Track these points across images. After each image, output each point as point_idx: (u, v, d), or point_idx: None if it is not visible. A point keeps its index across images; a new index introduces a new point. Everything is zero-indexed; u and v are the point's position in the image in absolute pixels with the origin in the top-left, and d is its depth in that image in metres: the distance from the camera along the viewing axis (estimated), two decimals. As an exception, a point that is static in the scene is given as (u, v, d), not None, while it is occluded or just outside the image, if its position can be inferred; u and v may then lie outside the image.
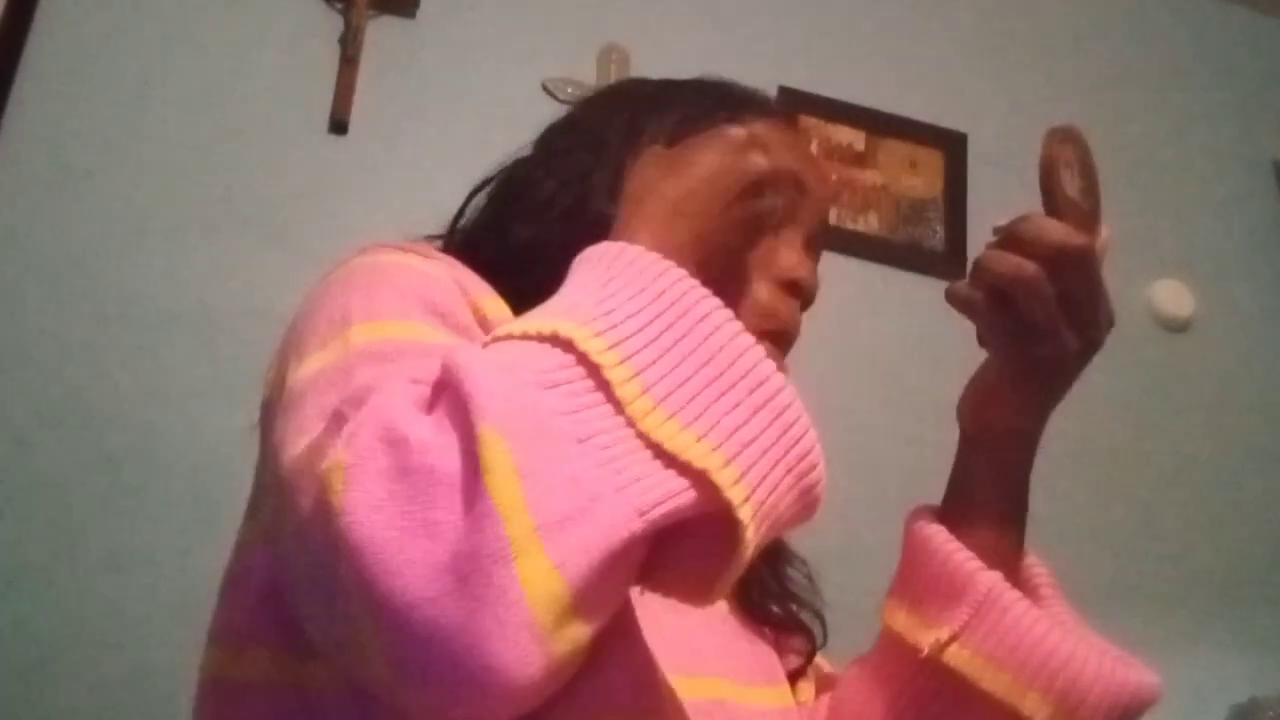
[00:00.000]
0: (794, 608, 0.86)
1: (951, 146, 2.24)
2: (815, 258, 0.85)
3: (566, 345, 0.51)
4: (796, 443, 0.54)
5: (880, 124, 2.22)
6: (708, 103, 0.84)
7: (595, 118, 0.87)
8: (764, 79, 2.48)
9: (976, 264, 0.71)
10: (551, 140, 0.87)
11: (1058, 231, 0.70)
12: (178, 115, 1.85)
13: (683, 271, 0.56)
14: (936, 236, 2.19)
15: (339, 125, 1.90)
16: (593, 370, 0.51)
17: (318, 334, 0.63)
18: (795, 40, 2.23)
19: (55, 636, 1.56)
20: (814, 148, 2.18)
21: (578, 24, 2.10)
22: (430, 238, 0.85)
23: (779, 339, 0.79)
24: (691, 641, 0.72)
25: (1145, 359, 2.22)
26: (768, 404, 0.53)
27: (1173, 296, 2.27)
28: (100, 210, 1.77)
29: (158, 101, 1.85)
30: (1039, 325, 0.70)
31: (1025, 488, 0.81)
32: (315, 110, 1.90)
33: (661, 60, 2.09)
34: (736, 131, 0.71)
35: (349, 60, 1.93)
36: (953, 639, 0.72)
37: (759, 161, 0.69)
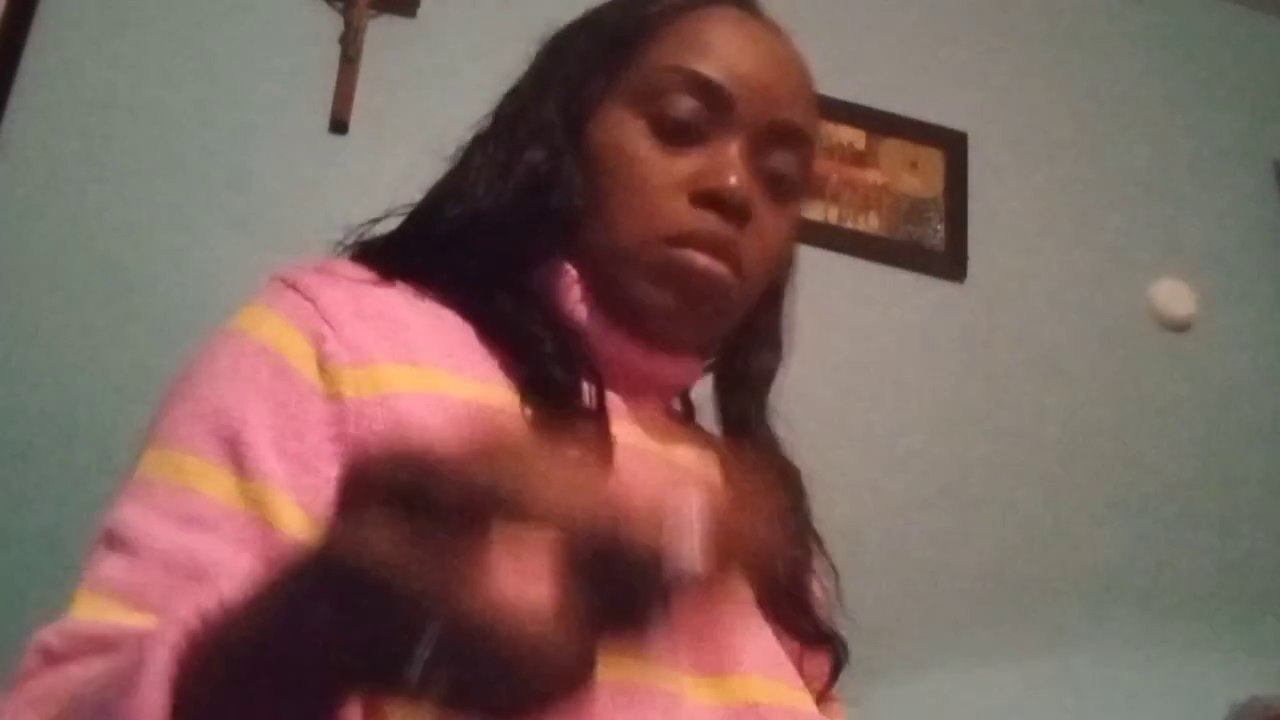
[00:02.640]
0: (818, 625, 0.80)
1: (952, 146, 2.24)
2: (765, 161, 0.78)
3: None
4: None
5: (880, 123, 2.22)
6: (627, 29, 0.81)
7: (522, 94, 0.85)
8: (764, 78, 2.46)
9: None
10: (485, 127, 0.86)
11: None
12: (177, 115, 1.85)
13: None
14: (937, 236, 2.19)
15: (339, 125, 1.90)
16: None
17: (145, 438, 0.68)
18: (795, 40, 2.23)
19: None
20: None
21: (578, 24, 2.09)
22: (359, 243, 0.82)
23: (689, 262, 0.74)
24: (722, 637, 0.69)
25: (1145, 359, 2.22)
26: None
27: (1173, 296, 2.27)
28: (100, 210, 1.77)
29: (157, 102, 1.85)
30: None
31: None
32: (315, 110, 1.90)
33: (662, 60, 2.10)
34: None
35: (349, 60, 1.93)
36: None
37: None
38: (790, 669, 0.74)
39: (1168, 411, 2.20)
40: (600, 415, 0.71)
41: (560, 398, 0.70)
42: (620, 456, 0.70)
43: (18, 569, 1.58)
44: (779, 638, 0.76)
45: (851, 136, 2.20)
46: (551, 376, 0.71)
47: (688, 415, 0.89)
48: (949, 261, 2.15)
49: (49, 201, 1.76)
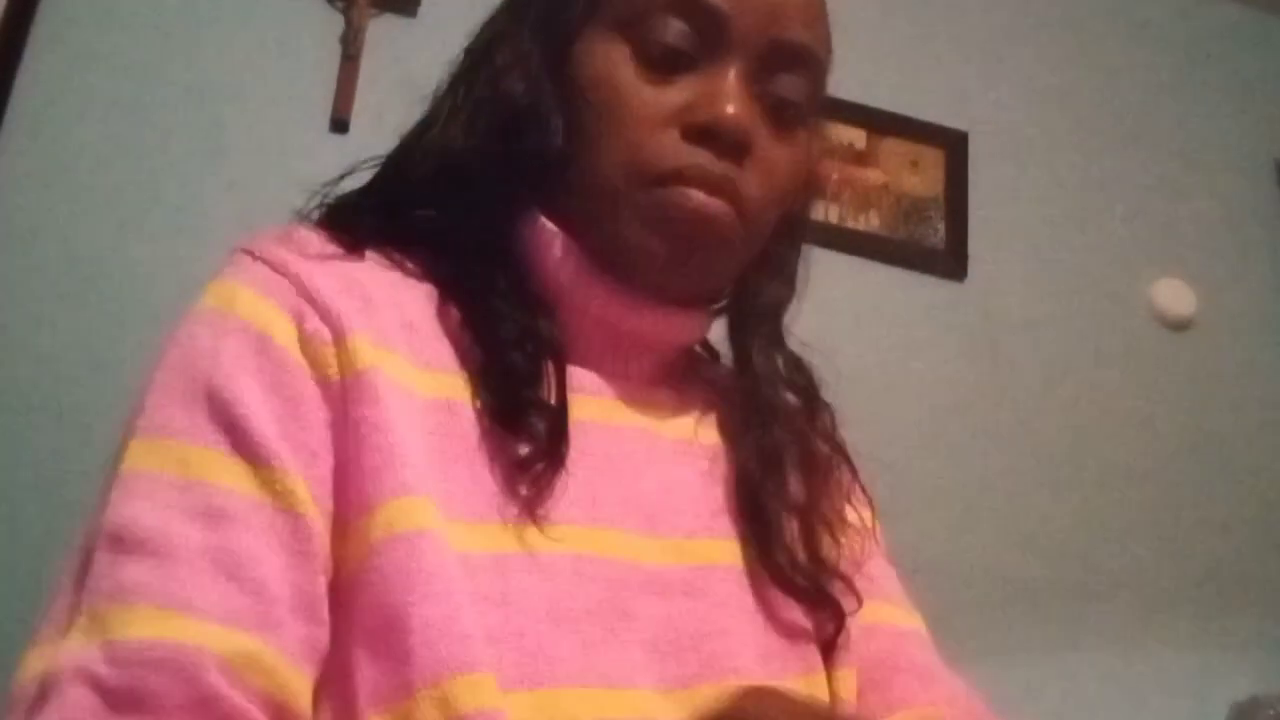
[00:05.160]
0: (823, 578, 0.76)
1: (952, 145, 2.24)
2: (766, 86, 0.71)
3: None
4: None
5: (881, 123, 2.22)
6: None
7: (494, 30, 0.80)
8: (764, 78, 2.46)
9: None
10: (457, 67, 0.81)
11: None
12: (178, 114, 1.85)
13: None
14: (937, 235, 2.19)
15: (340, 124, 1.90)
16: None
17: (128, 429, 0.61)
18: None
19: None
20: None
21: (578, 23, 2.09)
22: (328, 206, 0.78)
23: (681, 202, 0.68)
24: (705, 645, 0.67)
25: (1146, 358, 2.22)
26: None
27: (1174, 295, 2.27)
28: (100, 210, 1.77)
29: (158, 101, 1.85)
30: None
31: None
32: (316, 109, 1.90)
33: (662, 59, 2.10)
34: None
35: (350, 59, 1.93)
36: None
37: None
38: (780, 662, 0.71)
39: (1167, 410, 2.20)
40: (559, 410, 0.67)
41: (516, 390, 0.66)
42: (587, 437, 0.67)
43: (17, 569, 1.58)
44: (780, 606, 0.73)
45: (852, 136, 2.20)
46: (510, 364, 0.66)
47: (710, 357, 0.85)
48: (949, 261, 2.15)
49: (49, 200, 1.76)
